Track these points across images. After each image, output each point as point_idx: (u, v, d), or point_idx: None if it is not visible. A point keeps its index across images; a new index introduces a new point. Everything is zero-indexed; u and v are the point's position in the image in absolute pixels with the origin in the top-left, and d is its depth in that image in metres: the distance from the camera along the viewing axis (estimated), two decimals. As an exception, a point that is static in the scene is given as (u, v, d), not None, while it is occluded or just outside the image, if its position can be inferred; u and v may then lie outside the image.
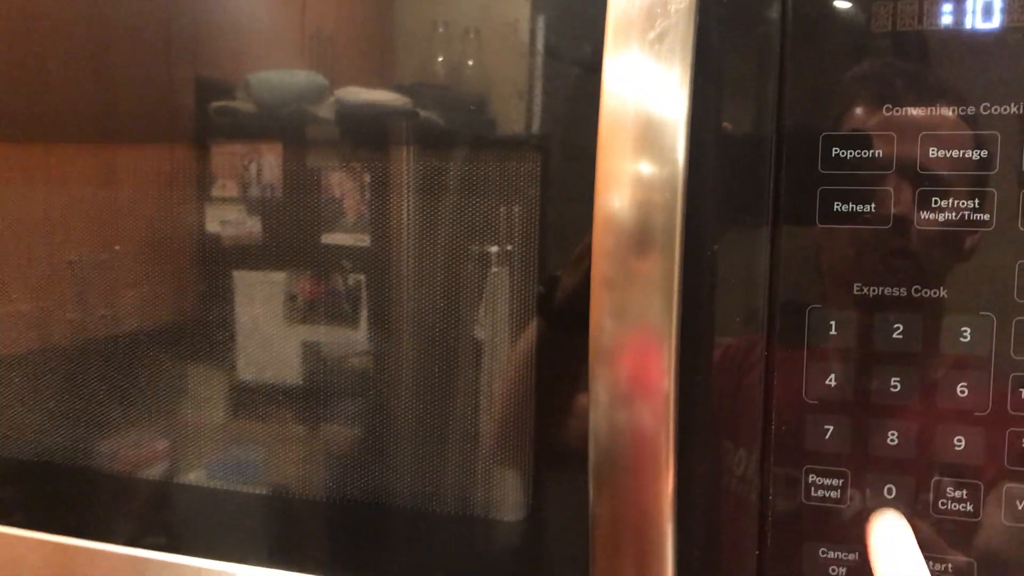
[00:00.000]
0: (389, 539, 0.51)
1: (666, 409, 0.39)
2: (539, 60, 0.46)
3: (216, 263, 0.55)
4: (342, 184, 0.52)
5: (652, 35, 0.40)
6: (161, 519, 0.57)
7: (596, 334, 0.40)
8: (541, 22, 0.46)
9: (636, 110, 0.39)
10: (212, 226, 0.56)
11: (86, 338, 0.60)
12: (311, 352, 0.53)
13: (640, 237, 0.39)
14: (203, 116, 0.55)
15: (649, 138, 0.39)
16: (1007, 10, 0.39)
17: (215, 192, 0.56)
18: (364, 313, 0.51)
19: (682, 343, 0.40)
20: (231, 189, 0.56)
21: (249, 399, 0.55)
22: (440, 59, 0.48)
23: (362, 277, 0.52)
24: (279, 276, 0.54)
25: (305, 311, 0.53)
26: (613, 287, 0.39)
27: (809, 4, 0.41)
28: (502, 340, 0.48)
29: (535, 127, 0.46)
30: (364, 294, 0.52)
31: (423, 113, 0.49)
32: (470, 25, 0.47)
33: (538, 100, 0.46)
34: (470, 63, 0.48)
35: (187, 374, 0.57)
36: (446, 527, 0.49)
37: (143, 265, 0.57)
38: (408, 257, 0.50)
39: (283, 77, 0.53)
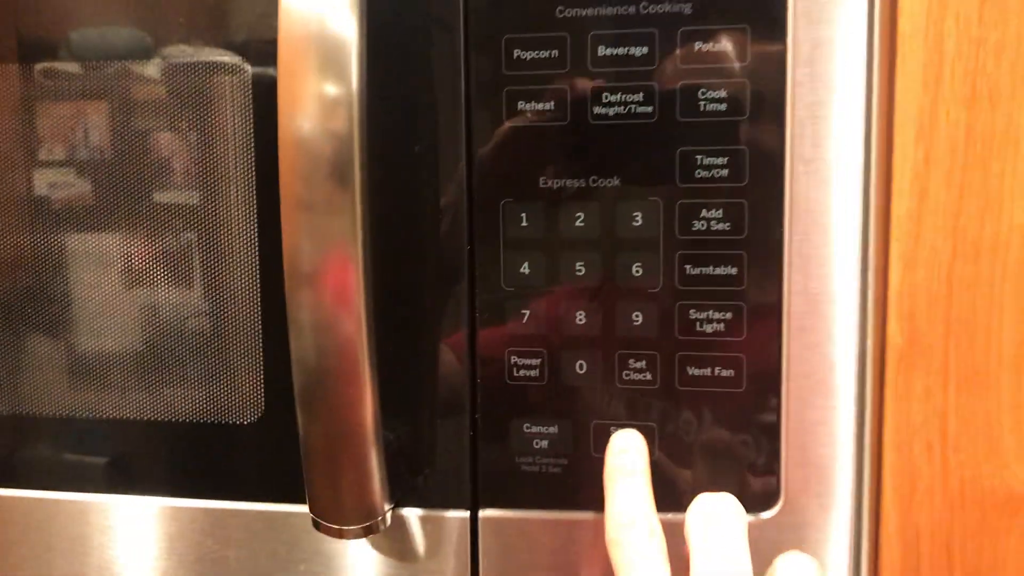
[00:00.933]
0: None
1: (359, 325, 0.41)
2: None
3: (47, 228, 0.54)
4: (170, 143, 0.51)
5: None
6: None
7: (290, 256, 0.41)
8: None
9: (312, 32, 0.40)
10: (40, 190, 0.54)
11: None
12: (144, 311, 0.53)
13: (323, 158, 0.41)
14: (27, 77, 0.53)
15: (326, 59, 0.40)
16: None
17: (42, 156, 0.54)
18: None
19: (381, 251, 0.42)
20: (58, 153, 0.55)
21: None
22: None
23: (193, 235, 0.52)
24: (112, 238, 0.53)
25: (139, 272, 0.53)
26: (304, 208, 0.41)
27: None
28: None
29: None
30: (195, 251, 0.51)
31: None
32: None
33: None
34: None
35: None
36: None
37: None
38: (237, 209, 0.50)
39: (106, 34, 0.52)
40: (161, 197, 0.50)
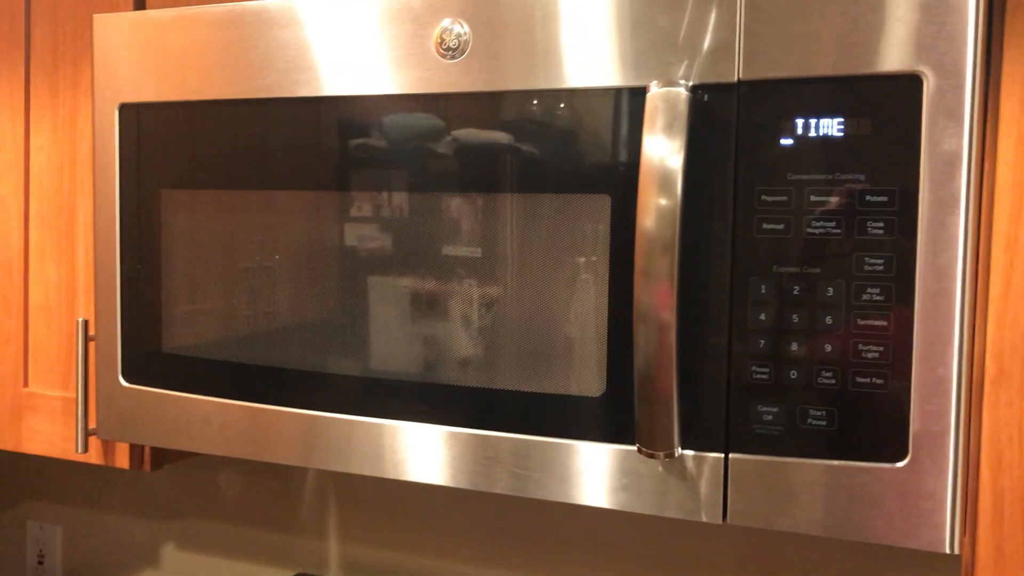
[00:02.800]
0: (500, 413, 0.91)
1: (671, 333, 0.78)
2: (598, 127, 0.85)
3: (354, 270, 0.95)
4: (459, 206, 0.91)
5: (664, 124, 0.78)
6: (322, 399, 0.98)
7: (638, 300, 0.79)
8: (600, 116, 0.85)
9: (658, 166, 0.78)
10: (350, 240, 0.96)
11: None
12: (430, 343, 0.93)
13: (657, 241, 0.78)
14: (344, 152, 0.94)
15: (664, 183, 0.78)
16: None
17: (353, 213, 0.96)
18: (475, 310, 0.91)
19: (681, 297, 0.79)
20: (366, 210, 0.96)
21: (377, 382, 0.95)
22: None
23: (474, 282, 0.91)
24: (407, 281, 0.94)
25: (426, 310, 0.93)
26: (646, 274, 0.78)
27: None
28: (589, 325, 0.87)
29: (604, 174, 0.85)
30: (475, 297, 0.91)
31: (524, 148, 0.88)
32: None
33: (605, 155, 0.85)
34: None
35: (328, 359, 0.97)
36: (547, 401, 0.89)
37: (298, 271, 0.98)
38: (511, 266, 0.89)
39: (408, 119, 0.93)
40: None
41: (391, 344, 0.96)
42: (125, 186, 1.07)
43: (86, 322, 1.13)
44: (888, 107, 0.76)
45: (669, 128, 0.78)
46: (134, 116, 1.06)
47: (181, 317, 1.07)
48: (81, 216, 1.21)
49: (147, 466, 1.23)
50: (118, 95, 1.06)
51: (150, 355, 1.08)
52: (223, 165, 1.02)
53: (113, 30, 1.05)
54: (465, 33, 0.89)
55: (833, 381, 0.78)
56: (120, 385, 1.09)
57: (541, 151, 0.88)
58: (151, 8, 1.12)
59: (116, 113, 1.06)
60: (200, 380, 1.06)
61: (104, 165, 1.08)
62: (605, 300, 0.86)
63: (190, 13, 1.02)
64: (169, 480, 1.63)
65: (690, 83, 0.80)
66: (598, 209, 0.86)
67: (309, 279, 1.00)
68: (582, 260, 0.87)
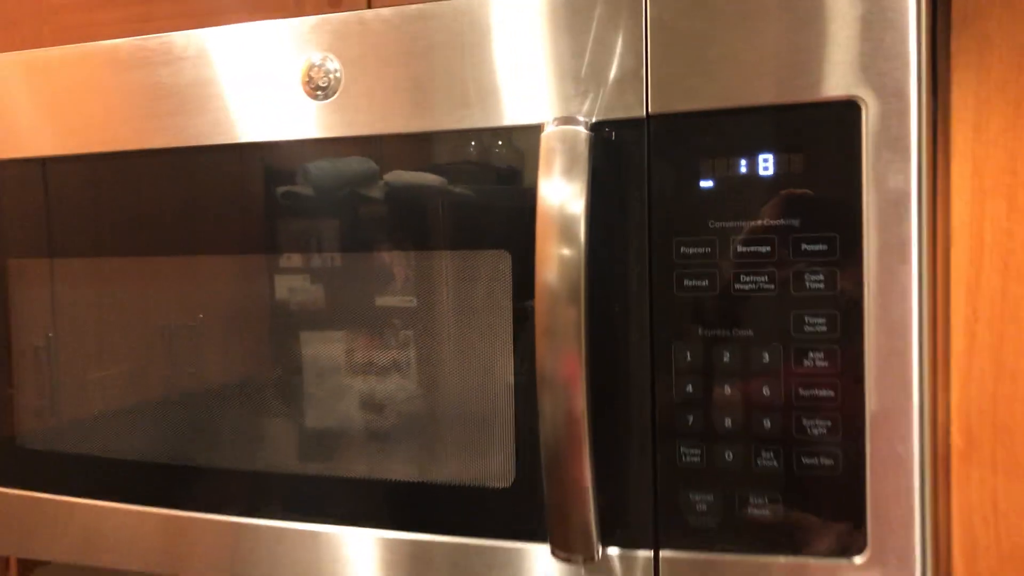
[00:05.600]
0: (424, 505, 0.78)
1: (582, 409, 0.66)
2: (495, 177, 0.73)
3: (285, 324, 0.82)
4: (392, 257, 0.78)
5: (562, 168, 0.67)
6: (249, 499, 0.84)
7: (540, 364, 0.66)
8: (490, 159, 0.73)
9: (557, 213, 0.66)
10: (280, 293, 0.83)
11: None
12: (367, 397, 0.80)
13: (560, 296, 0.66)
14: (270, 201, 0.81)
15: (564, 232, 0.66)
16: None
17: (282, 263, 0.82)
18: (412, 362, 0.78)
19: (592, 362, 0.66)
20: (296, 261, 0.82)
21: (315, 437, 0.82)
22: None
23: (410, 332, 0.78)
24: (340, 335, 0.81)
25: (362, 364, 0.80)
26: (549, 333, 0.66)
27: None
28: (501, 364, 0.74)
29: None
30: (412, 347, 0.78)
31: (455, 201, 0.75)
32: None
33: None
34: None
35: (263, 420, 0.84)
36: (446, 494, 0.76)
37: (223, 329, 0.85)
38: (446, 316, 0.76)
39: (338, 164, 0.80)
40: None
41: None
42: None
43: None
44: (823, 139, 0.65)
45: (568, 171, 0.66)
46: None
47: (40, 404, 0.93)
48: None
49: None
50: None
51: (3, 449, 0.94)
52: (83, 229, 0.89)
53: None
54: (336, 70, 0.77)
55: (775, 463, 0.66)
56: (-34, 486, 0.95)
57: (429, 203, 0.76)
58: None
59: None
60: (70, 478, 0.92)
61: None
62: (511, 370, 0.74)
63: (34, 56, 0.89)
64: None
65: (592, 119, 0.69)
66: (497, 266, 0.73)
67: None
68: (484, 325, 0.74)
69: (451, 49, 0.73)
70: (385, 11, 0.75)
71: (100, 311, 0.91)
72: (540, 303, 0.67)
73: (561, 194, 0.66)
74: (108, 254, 0.89)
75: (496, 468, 0.75)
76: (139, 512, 0.88)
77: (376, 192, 0.77)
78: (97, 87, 0.86)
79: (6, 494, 0.94)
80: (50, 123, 0.88)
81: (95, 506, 0.91)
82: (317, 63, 0.76)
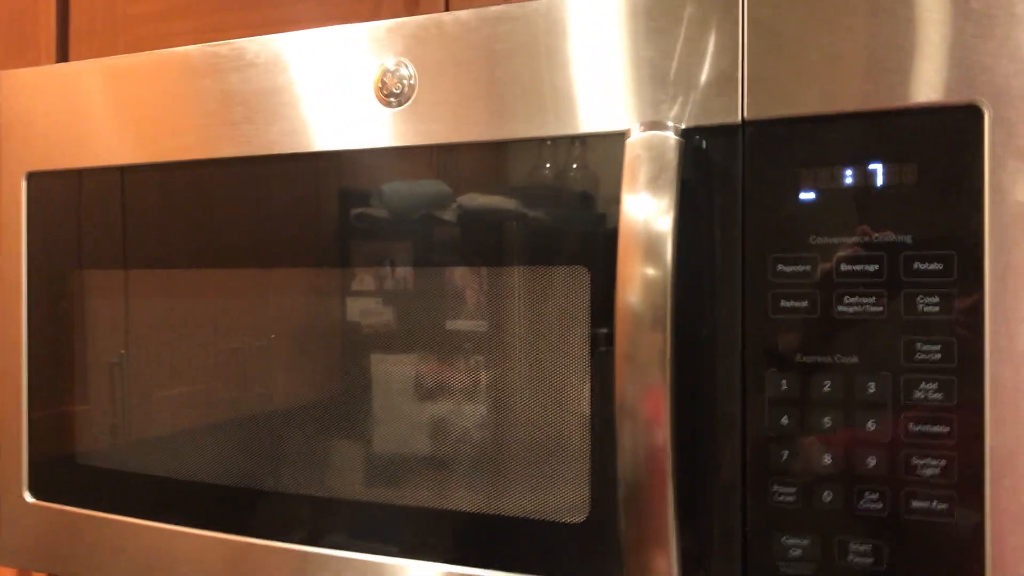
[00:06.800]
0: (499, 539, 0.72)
1: (666, 445, 0.60)
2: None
3: (356, 347, 0.78)
4: (463, 276, 0.74)
5: (648, 178, 0.62)
6: (312, 525, 0.80)
7: (620, 393, 0.61)
8: (569, 169, 0.68)
9: (642, 230, 0.61)
10: (352, 314, 0.79)
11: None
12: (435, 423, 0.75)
13: (644, 320, 0.60)
14: (344, 222, 0.78)
15: (649, 250, 0.60)
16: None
17: (354, 283, 0.79)
18: (482, 386, 0.73)
19: (677, 393, 0.61)
20: (367, 281, 0.79)
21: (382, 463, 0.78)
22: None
23: (481, 357, 0.74)
24: (410, 358, 0.77)
25: (432, 388, 0.76)
26: (630, 360, 0.61)
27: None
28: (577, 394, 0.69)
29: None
30: (483, 371, 0.73)
31: (531, 214, 0.71)
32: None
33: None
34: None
35: (330, 443, 0.79)
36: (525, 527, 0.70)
37: (292, 348, 0.82)
38: (518, 339, 0.72)
39: (412, 187, 0.76)
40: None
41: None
42: (34, 267, 0.92)
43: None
44: (938, 148, 0.59)
45: (655, 182, 0.61)
46: (44, 186, 0.91)
47: (109, 422, 0.91)
48: None
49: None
50: (25, 162, 0.92)
51: (63, 465, 0.92)
52: (156, 239, 0.87)
53: (23, 87, 0.91)
54: (410, 76, 0.73)
55: (880, 505, 0.59)
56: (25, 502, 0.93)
57: (504, 219, 0.71)
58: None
59: (24, 183, 0.92)
60: (132, 498, 0.89)
61: (9, 243, 0.93)
62: (586, 398, 0.68)
63: (109, 64, 0.88)
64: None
65: (682, 125, 0.64)
66: (573, 285, 0.68)
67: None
68: (559, 350, 0.69)
69: (529, 53, 0.69)
70: (463, 14, 0.72)
71: (171, 328, 0.88)
72: (621, 326, 0.61)
73: (647, 208, 0.61)
74: (179, 266, 0.86)
75: (569, 502, 0.69)
76: (202, 536, 0.85)
77: (450, 215, 0.73)
78: (170, 94, 0.84)
79: (66, 512, 0.92)
80: (125, 131, 0.87)
81: (158, 528, 0.88)
82: (391, 69, 0.73)
